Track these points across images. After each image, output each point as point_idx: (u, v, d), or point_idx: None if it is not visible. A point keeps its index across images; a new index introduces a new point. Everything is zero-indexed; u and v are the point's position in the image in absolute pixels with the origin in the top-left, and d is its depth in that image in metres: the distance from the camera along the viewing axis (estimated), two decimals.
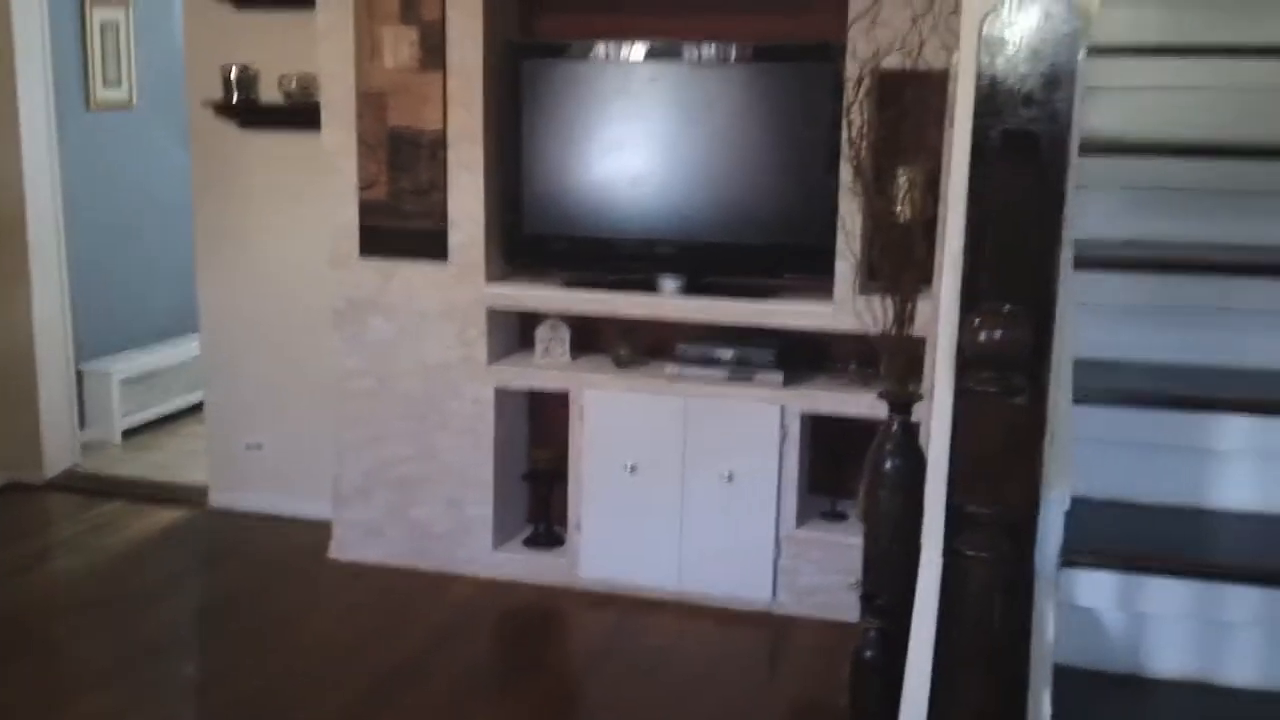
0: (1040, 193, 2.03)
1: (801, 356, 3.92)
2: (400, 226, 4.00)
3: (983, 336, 1.53)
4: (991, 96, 2.02)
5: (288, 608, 3.98)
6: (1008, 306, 1.56)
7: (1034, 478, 2.01)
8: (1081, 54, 1.99)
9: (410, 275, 4.04)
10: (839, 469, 3.93)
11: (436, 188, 3.94)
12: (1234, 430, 2.28)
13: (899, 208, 3.09)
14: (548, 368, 4.05)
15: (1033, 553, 1.98)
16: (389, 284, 4.06)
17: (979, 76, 2.01)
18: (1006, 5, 1.98)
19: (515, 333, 4.22)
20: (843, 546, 3.65)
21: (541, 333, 4.08)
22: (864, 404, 3.58)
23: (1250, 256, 2.55)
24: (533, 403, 4.30)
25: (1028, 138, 2.01)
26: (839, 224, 3.56)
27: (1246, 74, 2.94)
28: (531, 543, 4.20)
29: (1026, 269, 2.04)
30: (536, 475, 4.19)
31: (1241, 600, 2.10)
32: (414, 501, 4.18)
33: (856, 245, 3.56)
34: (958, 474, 1.57)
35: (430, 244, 3.98)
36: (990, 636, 1.69)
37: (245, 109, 4.41)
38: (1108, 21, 3.18)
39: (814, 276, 3.76)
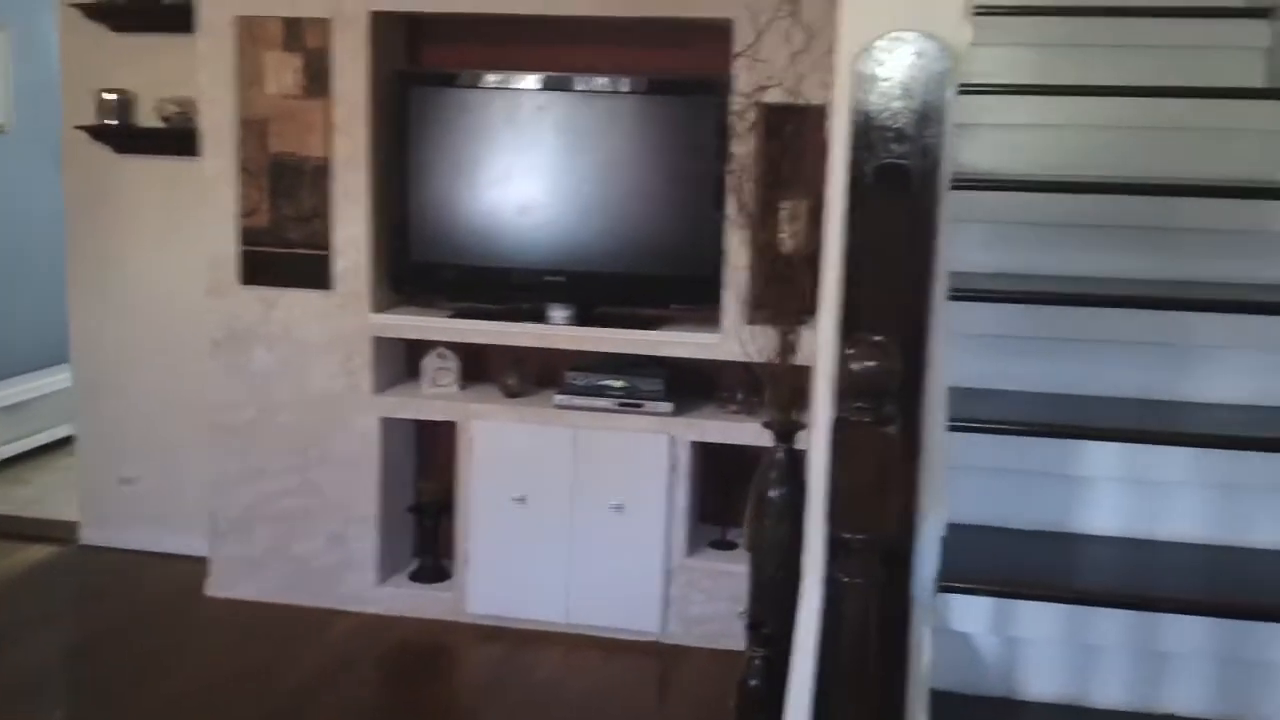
0: (913, 225, 2.08)
1: (691, 386, 3.95)
2: (282, 254, 3.93)
3: (856, 366, 1.55)
4: (865, 132, 2.06)
5: (161, 648, 3.85)
6: (879, 337, 1.58)
7: (908, 505, 2.05)
8: (951, 92, 2.05)
9: (293, 304, 3.97)
10: (729, 497, 3.96)
11: (320, 215, 3.89)
12: (1100, 457, 2.35)
13: (783, 239, 3.15)
14: (435, 398, 4.01)
15: (909, 579, 2.02)
16: (271, 313, 3.99)
17: (853, 112, 2.06)
18: (879, 44, 2.02)
19: (402, 362, 4.17)
20: (732, 575, 3.67)
21: (429, 362, 4.04)
22: (752, 433, 3.61)
23: (1112, 289, 2.64)
24: (420, 433, 4.25)
25: (900, 172, 2.06)
26: (725, 255, 3.60)
27: (1109, 112, 3.05)
28: (418, 577, 4.14)
29: (900, 299, 2.09)
30: (423, 508, 4.14)
31: (1109, 623, 2.16)
32: (295, 536, 4.08)
33: (744, 276, 3.60)
34: (833, 502, 1.59)
35: (314, 272, 3.92)
36: (868, 662, 1.72)
37: (121, 133, 4.30)
38: (981, 60, 3.29)
39: (702, 307, 3.80)
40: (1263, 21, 3.20)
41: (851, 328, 2.05)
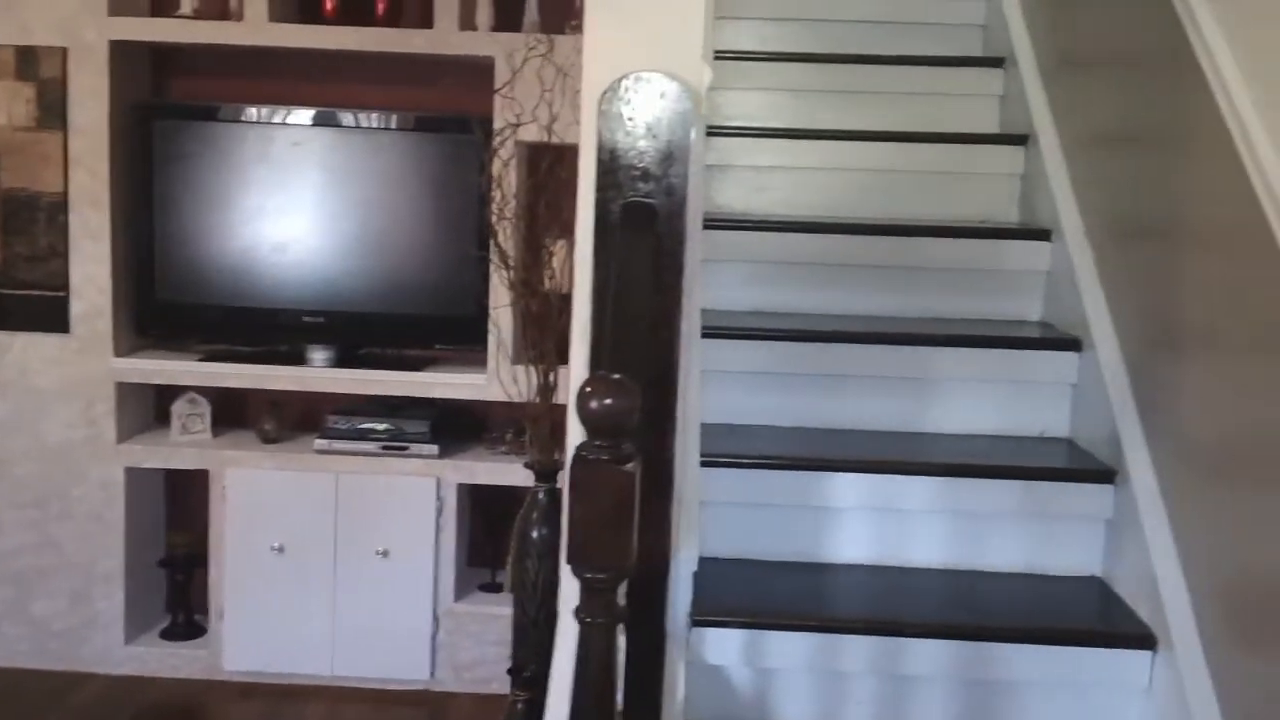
0: (659, 264, 2.10)
1: (459, 427, 3.88)
2: (15, 296, 3.66)
3: (593, 404, 1.53)
4: (611, 171, 2.07)
5: None
6: (617, 375, 1.57)
7: (661, 541, 2.05)
8: (695, 132, 2.08)
9: (26, 349, 3.70)
10: (498, 540, 3.89)
11: (57, 254, 3.65)
12: (848, 488, 2.41)
13: (545, 278, 3.13)
14: (186, 445, 3.81)
15: (662, 615, 2.02)
16: (2, 358, 3.71)
17: (599, 151, 2.06)
18: (623, 83, 2.04)
19: (150, 409, 3.95)
20: (501, 619, 3.61)
21: (179, 408, 3.83)
22: (521, 473, 3.56)
23: (860, 325, 2.73)
24: (170, 483, 4.03)
25: (646, 211, 2.08)
26: (489, 294, 3.56)
27: (857, 155, 3.18)
28: (170, 634, 3.90)
29: (648, 337, 2.10)
30: (174, 561, 3.91)
31: (857, 650, 2.21)
32: (34, 596, 3.79)
33: (507, 315, 3.57)
34: (575, 542, 1.56)
35: (50, 315, 3.67)
36: (613, 701, 1.69)
37: None
38: (737, 104, 3.38)
39: (468, 347, 3.74)
40: (998, 70, 3.40)
41: (599, 366, 2.05)
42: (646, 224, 2.09)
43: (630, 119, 2.05)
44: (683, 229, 2.13)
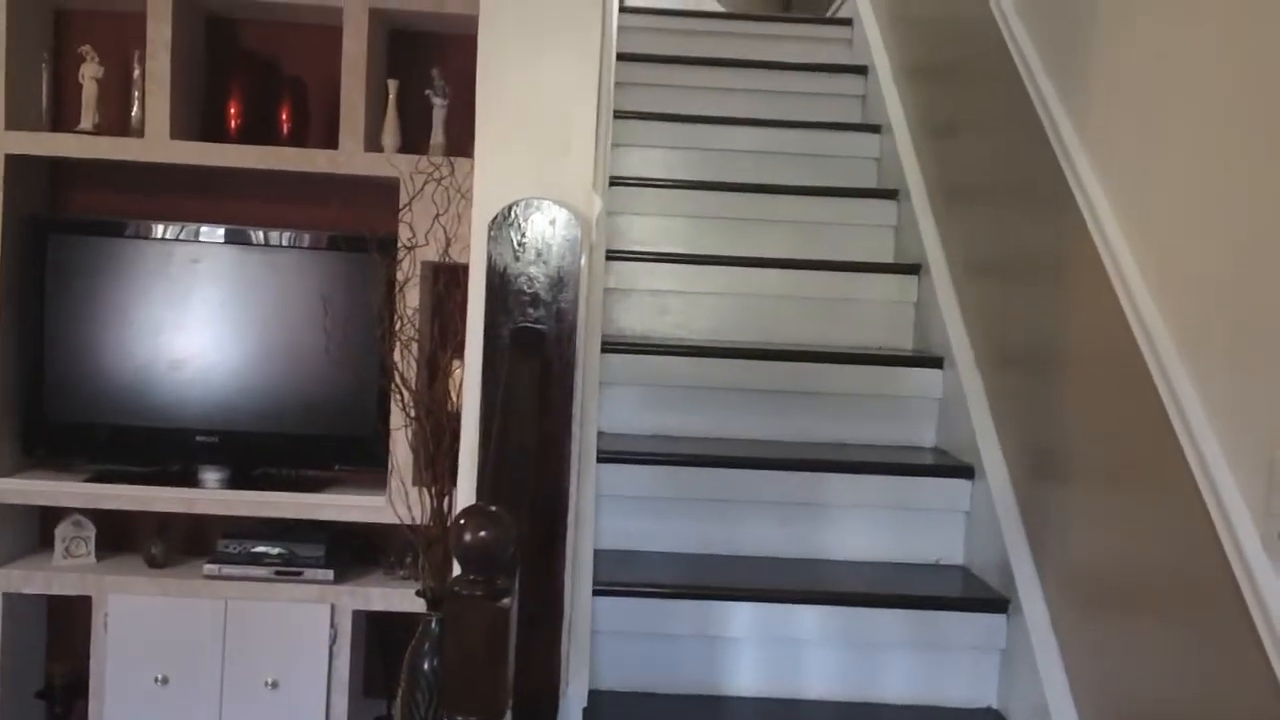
0: (549, 388, 2.09)
1: (355, 550, 3.78)
2: None
3: (468, 537, 1.49)
4: (501, 295, 2.07)
5: None
6: (494, 506, 1.53)
7: (549, 675, 2.00)
8: (585, 258, 2.09)
9: None
10: (394, 670, 3.76)
11: None
12: (741, 617, 2.38)
13: (446, 399, 3.09)
14: (68, 570, 3.65)
15: None
16: None
17: (489, 275, 2.06)
18: (514, 209, 2.05)
19: (35, 531, 3.79)
20: None
21: (63, 530, 3.69)
22: (419, 600, 3.47)
23: (757, 451, 2.73)
24: (51, 610, 3.85)
25: (535, 335, 2.07)
26: (391, 414, 3.51)
27: (756, 281, 3.22)
28: None
29: (537, 462, 2.07)
30: (53, 692, 3.72)
31: None
32: None
33: (405, 436, 3.51)
34: (446, 683, 1.50)
35: None
36: None
37: None
38: (640, 228, 3.42)
39: (367, 468, 3.67)
40: (892, 202, 3.49)
41: (484, 491, 2.02)
42: (535, 348, 2.08)
43: (520, 244, 2.06)
44: (573, 354, 2.12)
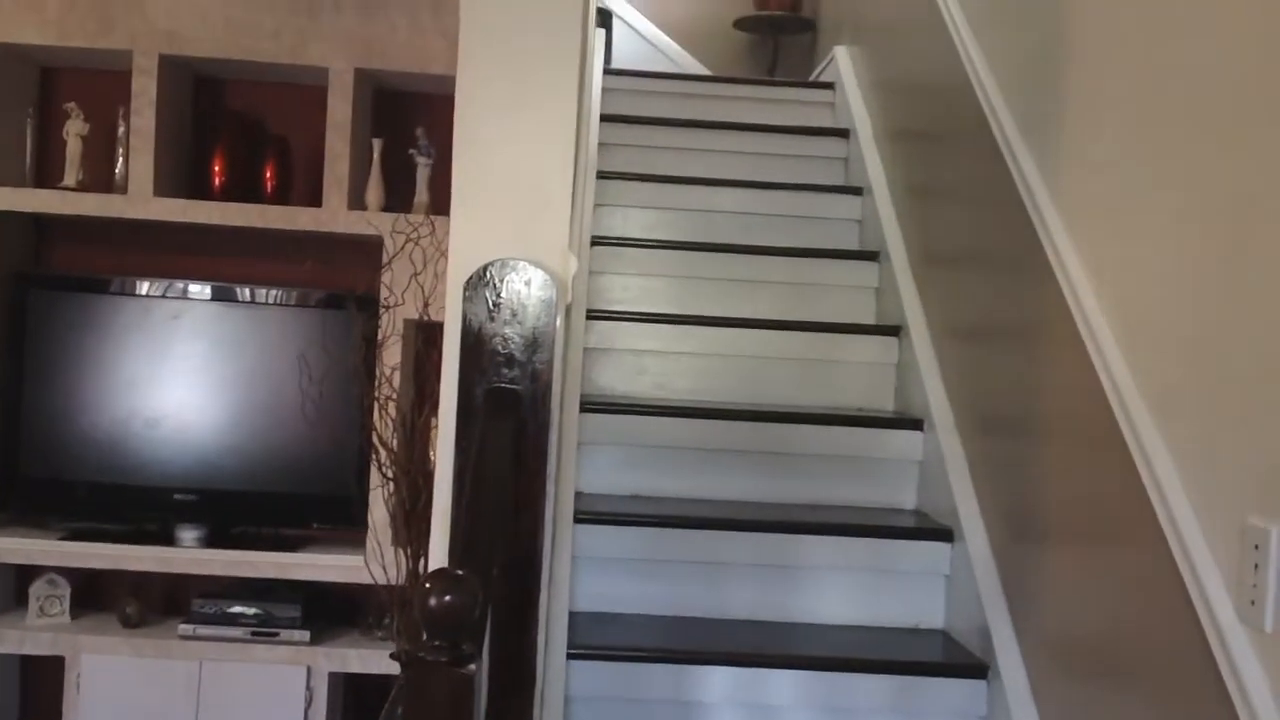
0: (523, 449, 2.07)
1: (333, 611, 3.73)
2: None
3: (432, 601, 1.47)
4: (476, 355, 2.06)
5: None
6: (460, 570, 1.51)
7: None
8: (560, 318, 2.08)
9: None
10: None
11: None
12: (717, 682, 2.35)
13: (426, 457, 3.08)
14: (41, 629, 3.60)
15: None
16: None
17: (463, 335, 2.05)
18: (489, 269, 2.05)
19: (9, 589, 3.75)
20: None
21: (37, 589, 3.64)
22: (396, 662, 3.43)
23: (735, 513, 2.71)
24: (25, 670, 3.79)
25: (509, 396, 2.06)
26: (370, 473, 3.48)
27: (738, 342, 3.22)
28: None
29: (511, 523, 2.06)
30: None
31: None
32: None
33: (384, 495, 3.49)
34: None
35: None
36: None
37: None
38: (621, 288, 3.42)
39: (346, 527, 3.64)
40: (873, 264, 3.50)
41: (456, 552, 1.99)
42: (510, 409, 2.07)
43: (495, 304, 2.06)
44: (548, 414, 2.11)
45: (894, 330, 3.22)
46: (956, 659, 2.43)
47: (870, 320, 3.48)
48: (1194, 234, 1.79)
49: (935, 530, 2.65)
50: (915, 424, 2.91)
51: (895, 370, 3.22)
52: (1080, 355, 2.08)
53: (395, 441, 2.98)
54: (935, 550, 2.64)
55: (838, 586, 2.65)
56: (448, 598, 1.49)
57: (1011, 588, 2.38)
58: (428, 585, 1.50)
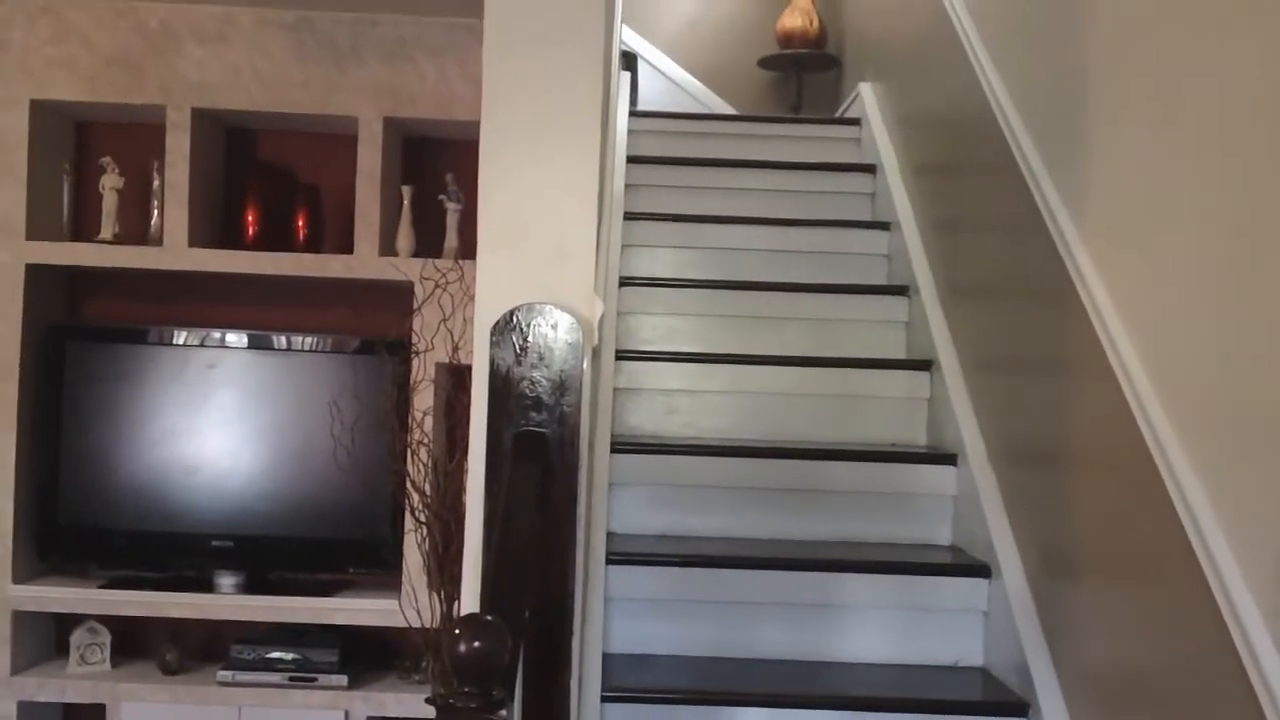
0: (552, 491, 2.07)
1: (371, 655, 3.74)
2: None
3: (461, 647, 1.47)
4: (503, 399, 2.07)
5: None
6: (490, 616, 1.52)
7: None
8: (587, 361, 2.09)
9: None
10: None
11: None
12: None
13: (462, 502, 3.08)
14: (82, 678, 3.63)
15: None
16: None
17: (491, 379, 2.06)
18: (516, 314, 2.06)
19: (50, 638, 3.78)
20: None
21: (78, 638, 3.67)
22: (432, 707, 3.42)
23: (768, 551, 2.70)
24: (66, 717, 3.82)
25: (538, 439, 2.07)
26: (405, 517, 3.50)
27: (768, 379, 3.21)
28: None
29: (540, 567, 2.06)
30: None
31: None
32: None
33: (419, 540, 3.49)
34: None
35: None
36: None
37: None
38: (650, 328, 3.43)
39: (382, 571, 3.65)
40: (903, 298, 3.49)
41: (486, 597, 2.00)
42: (538, 453, 2.07)
43: (522, 348, 2.07)
44: (576, 457, 2.11)
45: (925, 364, 3.20)
46: (996, 697, 2.39)
47: (901, 355, 3.47)
48: (1219, 262, 1.78)
49: (972, 566, 2.62)
50: (949, 459, 2.89)
51: (927, 405, 3.20)
52: (1110, 385, 2.06)
53: (427, 485, 2.99)
54: (973, 586, 2.61)
55: (873, 624, 2.62)
56: (477, 644, 1.49)
57: (1049, 622, 2.35)
58: (457, 632, 1.50)
